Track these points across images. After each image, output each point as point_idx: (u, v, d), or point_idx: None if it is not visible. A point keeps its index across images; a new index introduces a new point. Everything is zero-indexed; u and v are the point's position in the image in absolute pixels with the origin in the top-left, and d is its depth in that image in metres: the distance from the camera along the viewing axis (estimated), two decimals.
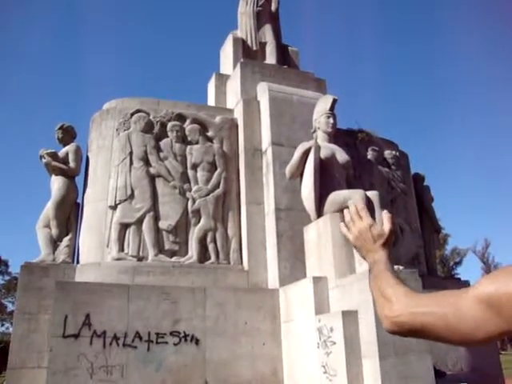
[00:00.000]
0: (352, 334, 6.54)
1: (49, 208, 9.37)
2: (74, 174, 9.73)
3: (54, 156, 9.57)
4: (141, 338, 7.44)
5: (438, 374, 7.42)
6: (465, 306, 1.24)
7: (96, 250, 8.90)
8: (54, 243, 9.18)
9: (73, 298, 7.32)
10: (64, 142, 9.98)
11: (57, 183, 9.47)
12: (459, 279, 12.76)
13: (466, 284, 11.63)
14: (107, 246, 8.84)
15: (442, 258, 33.92)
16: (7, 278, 48.57)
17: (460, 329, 1.24)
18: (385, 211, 1.81)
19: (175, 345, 7.60)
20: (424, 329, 1.33)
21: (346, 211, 1.86)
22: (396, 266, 6.97)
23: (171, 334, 7.63)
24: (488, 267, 37.29)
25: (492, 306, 1.18)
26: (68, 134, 10.04)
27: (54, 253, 9.05)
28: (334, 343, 6.65)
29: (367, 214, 1.79)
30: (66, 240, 9.19)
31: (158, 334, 7.55)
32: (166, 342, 7.56)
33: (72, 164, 9.67)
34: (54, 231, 9.23)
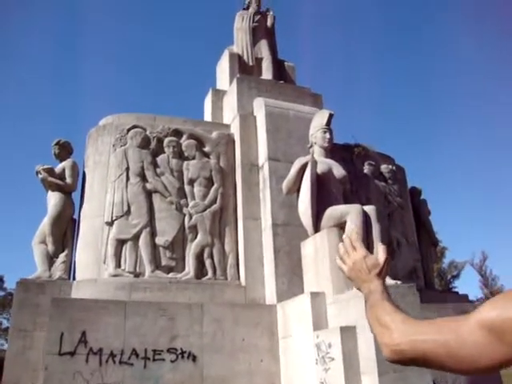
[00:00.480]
0: (350, 350, 6.49)
1: (45, 224, 9.33)
2: (70, 189, 9.71)
3: (50, 172, 9.56)
4: (137, 355, 7.37)
5: None
6: (466, 332, 1.22)
7: (92, 266, 8.85)
8: (51, 259, 9.14)
9: (69, 315, 7.25)
10: (60, 157, 9.98)
11: (53, 199, 9.45)
12: (457, 293, 12.73)
13: (464, 297, 11.60)
14: (104, 263, 8.79)
15: (440, 271, 33.86)
16: (2, 293, 48.30)
17: (462, 356, 1.21)
18: (380, 244, 1.82)
19: (172, 362, 7.52)
20: (425, 357, 1.30)
21: (340, 245, 1.86)
22: (394, 281, 6.96)
23: (168, 350, 7.56)
24: (486, 280, 37.19)
25: (494, 332, 1.16)
26: (64, 150, 10.04)
27: (50, 269, 9.01)
28: (333, 359, 6.59)
29: (361, 245, 1.80)
30: (62, 256, 9.15)
31: (154, 350, 7.47)
32: (163, 359, 7.48)
33: (68, 180, 9.66)
34: (51, 247, 9.19)
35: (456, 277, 36.40)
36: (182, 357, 7.61)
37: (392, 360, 1.42)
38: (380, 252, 1.76)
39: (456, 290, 31.27)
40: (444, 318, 1.33)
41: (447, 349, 1.24)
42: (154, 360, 7.43)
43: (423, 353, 1.30)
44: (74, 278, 9.00)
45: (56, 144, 9.98)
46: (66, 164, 9.84)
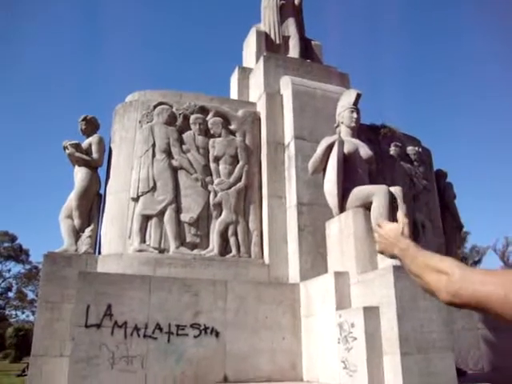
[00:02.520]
0: (373, 330, 6.49)
1: (72, 199, 9.45)
2: (96, 165, 9.80)
3: (77, 147, 9.65)
4: (161, 330, 7.48)
5: (459, 372, 7.35)
6: None
7: (118, 241, 8.96)
8: (77, 234, 9.27)
9: (95, 289, 7.38)
10: (87, 133, 10.06)
11: (80, 174, 9.55)
12: None
13: None
14: (129, 238, 8.89)
15: (462, 256, 33.60)
16: (28, 267, 49.37)
17: None
18: (399, 212, 2.03)
19: (195, 337, 7.62)
20: (483, 304, 1.34)
21: (375, 234, 2.03)
22: None
23: (191, 326, 7.65)
24: (508, 267, 36.78)
25: None
26: (91, 126, 10.11)
27: (76, 243, 9.14)
28: (355, 339, 6.61)
29: (385, 221, 2.01)
30: (88, 231, 9.27)
31: (178, 325, 7.57)
32: (187, 334, 7.58)
33: (95, 155, 9.75)
34: (77, 222, 9.31)
35: (478, 262, 36.09)
36: (206, 332, 7.70)
37: (449, 303, 1.48)
38: (399, 217, 1.94)
39: None
40: (503, 270, 1.36)
41: (509, 299, 1.26)
42: (177, 335, 7.54)
43: (482, 300, 1.34)
44: (99, 253, 9.13)
45: (83, 120, 10.05)
46: (92, 139, 9.93)
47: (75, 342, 7.02)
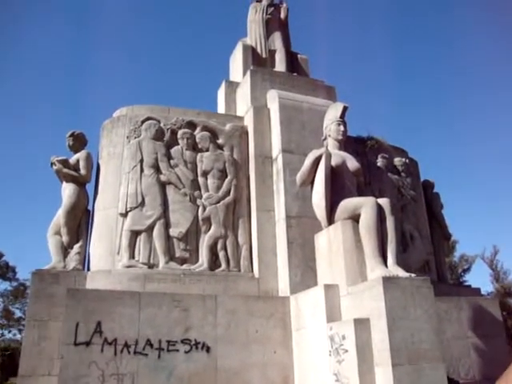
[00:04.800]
0: (364, 342, 6.50)
1: (59, 215, 9.41)
2: (84, 180, 9.76)
3: (64, 163, 9.61)
4: (152, 346, 7.43)
5: (451, 382, 7.36)
6: None
7: (106, 257, 8.91)
8: (65, 250, 9.22)
9: (84, 306, 7.32)
10: (75, 149, 10.03)
11: (68, 190, 9.51)
12: (470, 286, 12.67)
13: (477, 291, 11.56)
14: (118, 254, 8.86)
15: (451, 264, 33.68)
16: (14, 284, 48.73)
17: None
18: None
19: (186, 353, 7.58)
20: None
21: None
22: (407, 274, 6.95)
23: (182, 341, 7.61)
24: (497, 274, 36.93)
25: None
26: (79, 141, 10.09)
27: (64, 260, 9.10)
28: (346, 351, 6.61)
29: None
30: (76, 247, 9.22)
31: (168, 341, 7.53)
32: (177, 350, 7.54)
33: (83, 171, 9.71)
34: (65, 238, 9.26)
35: (467, 270, 36.16)
36: (196, 348, 7.65)
37: None
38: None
39: (467, 283, 31.14)
40: None
41: None
42: (168, 351, 7.49)
43: None
44: (88, 269, 9.07)
45: (70, 136, 10.03)
46: (80, 155, 9.89)
47: (64, 361, 6.94)
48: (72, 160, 9.82)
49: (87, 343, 7.12)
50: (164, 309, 7.70)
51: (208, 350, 7.71)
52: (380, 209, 7.57)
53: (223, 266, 9.10)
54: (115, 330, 7.32)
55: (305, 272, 8.70)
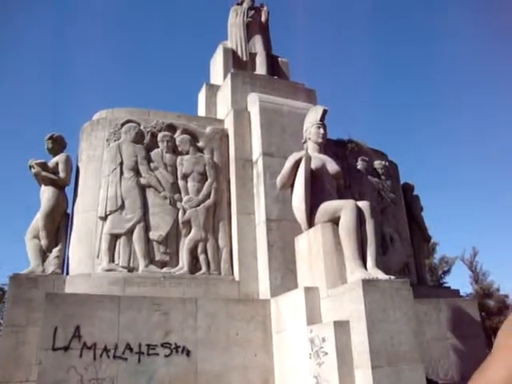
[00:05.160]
0: (344, 344, 6.53)
1: (38, 219, 9.30)
2: (63, 184, 9.66)
3: (43, 166, 9.51)
4: (131, 350, 7.37)
5: (430, 383, 7.43)
6: None
7: (86, 260, 8.83)
8: (44, 254, 9.12)
9: (62, 310, 7.24)
10: (54, 152, 9.93)
11: (46, 193, 9.41)
12: (449, 288, 12.81)
13: (456, 293, 11.68)
14: (97, 257, 8.78)
15: (431, 266, 34.00)
16: None
17: None
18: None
19: (166, 356, 7.53)
20: None
21: None
22: (387, 276, 7.00)
23: (162, 345, 7.57)
24: (476, 276, 37.40)
25: None
26: (58, 144, 9.98)
27: (43, 264, 8.99)
28: (326, 353, 6.63)
29: None
30: (55, 251, 9.12)
31: (148, 345, 7.48)
32: (157, 354, 7.49)
33: (62, 174, 9.62)
34: (44, 242, 9.16)
35: (447, 272, 36.55)
36: (176, 351, 7.62)
37: None
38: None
39: (447, 285, 31.46)
40: None
41: None
42: (148, 355, 7.43)
43: None
44: (67, 273, 8.98)
45: (49, 138, 9.92)
46: (59, 158, 9.80)
47: (42, 366, 6.85)
48: (51, 163, 9.71)
49: (66, 348, 7.03)
50: (144, 312, 7.65)
51: (188, 353, 7.67)
52: (360, 212, 7.61)
53: (203, 269, 9.08)
54: (94, 334, 7.25)
55: (285, 275, 8.72)
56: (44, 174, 9.47)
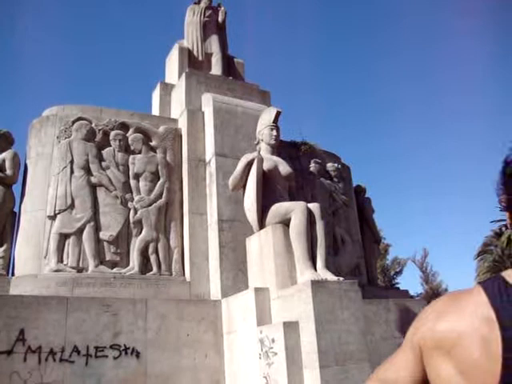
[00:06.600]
0: (293, 345, 6.59)
1: None
2: (11, 181, 9.37)
3: None
4: (79, 352, 7.23)
5: None
6: None
7: (33, 261, 8.60)
8: None
9: (6, 313, 7.02)
10: (0, 148, 9.62)
11: None
12: (398, 288, 13.09)
13: (404, 293, 11.95)
14: (45, 257, 8.56)
15: (384, 267, 34.71)
16: None
17: None
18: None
19: (115, 358, 7.42)
20: None
21: None
22: (336, 277, 7.10)
23: (111, 347, 7.45)
24: (426, 276, 38.43)
25: None
26: (5, 140, 9.67)
27: None
28: (276, 354, 6.68)
29: None
30: (0, 251, 8.84)
31: (97, 347, 7.35)
32: (106, 356, 7.37)
33: (9, 171, 9.33)
34: None
35: (399, 273, 37.37)
36: (126, 353, 7.52)
37: None
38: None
39: (398, 286, 32.17)
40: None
41: None
42: (96, 357, 7.31)
43: None
44: (13, 274, 8.73)
45: None
46: (6, 155, 9.50)
47: None
48: None
49: (9, 352, 6.83)
50: (92, 314, 7.52)
51: (138, 355, 7.59)
52: (310, 213, 7.70)
53: (154, 269, 8.99)
54: (40, 337, 7.08)
55: (236, 276, 8.73)
56: None
